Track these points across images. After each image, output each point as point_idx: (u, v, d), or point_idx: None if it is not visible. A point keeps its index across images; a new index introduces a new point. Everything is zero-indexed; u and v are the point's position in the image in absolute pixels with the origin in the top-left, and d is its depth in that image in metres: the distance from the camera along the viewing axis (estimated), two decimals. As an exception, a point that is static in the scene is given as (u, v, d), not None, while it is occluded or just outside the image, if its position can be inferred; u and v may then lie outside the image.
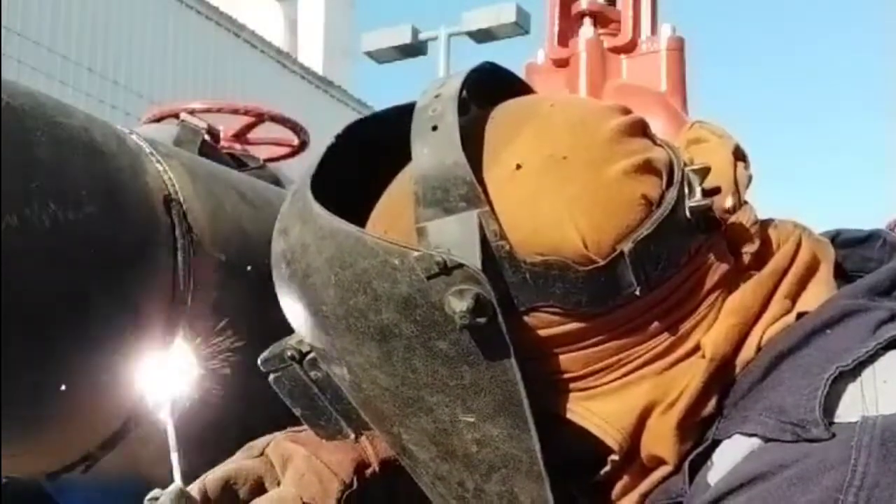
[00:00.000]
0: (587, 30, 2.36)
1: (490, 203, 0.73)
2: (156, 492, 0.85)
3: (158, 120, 2.31)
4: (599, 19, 2.38)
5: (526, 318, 0.74)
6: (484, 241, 0.72)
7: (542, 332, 0.75)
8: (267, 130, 2.68)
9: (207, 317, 1.26)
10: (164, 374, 0.87)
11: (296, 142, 2.69)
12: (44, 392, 1.15)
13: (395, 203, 0.80)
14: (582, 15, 2.38)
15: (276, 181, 2.06)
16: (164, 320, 1.21)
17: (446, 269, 0.71)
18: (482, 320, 0.71)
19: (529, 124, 0.78)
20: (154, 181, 1.28)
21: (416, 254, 0.72)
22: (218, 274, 1.32)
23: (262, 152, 2.57)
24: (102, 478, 1.34)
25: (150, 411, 0.85)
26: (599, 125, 0.77)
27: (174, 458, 0.85)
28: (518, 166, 0.75)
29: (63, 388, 1.16)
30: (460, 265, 0.71)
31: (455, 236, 0.73)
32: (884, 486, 0.64)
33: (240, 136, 2.47)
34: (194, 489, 0.87)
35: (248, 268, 1.33)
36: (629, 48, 2.36)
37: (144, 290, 1.20)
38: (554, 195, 0.74)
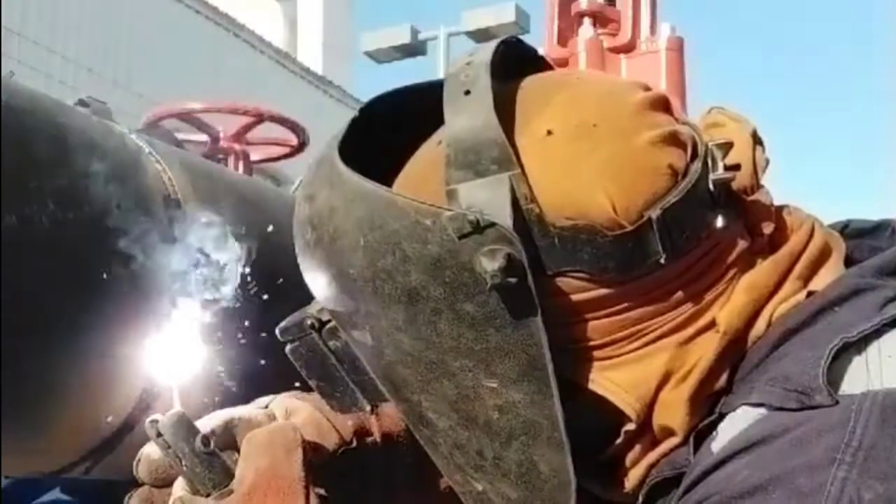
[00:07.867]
0: (587, 30, 2.37)
1: (521, 167, 0.74)
2: (156, 415, 0.85)
3: (158, 120, 2.31)
4: (599, 19, 2.39)
5: (553, 283, 0.75)
6: (515, 204, 0.73)
7: (568, 298, 0.75)
8: (267, 130, 2.68)
9: (207, 317, 1.26)
10: (164, 373, 0.88)
11: (295, 142, 2.69)
12: (44, 391, 1.15)
13: (421, 168, 0.81)
14: (581, 15, 2.40)
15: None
16: (163, 320, 1.21)
17: (479, 228, 0.72)
18: (513, 280, 0.71)
19: (560, 93, 0.79)
20: (154, 181, 1.28)
21: (448, 213, 0.72)
22: (217, 274, 1.32)
23: (261, 152, 2.57)
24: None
25: (151, 409, 0.86)
26: (626, 97, 0.79)
27: (174, 391, 0.85)
28: (549, 132, 0.76)
29: (63, 387, 1.16)
30: (493, 224, 0.72)
31: (485, 198, 0.73)
32: (880, 447, 0.65)
33: (239, 136, 2.47)
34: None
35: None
36: (628, 48, 2.38)
37: (143, 291, 1.21)
38: (584, 161, 0.75)
